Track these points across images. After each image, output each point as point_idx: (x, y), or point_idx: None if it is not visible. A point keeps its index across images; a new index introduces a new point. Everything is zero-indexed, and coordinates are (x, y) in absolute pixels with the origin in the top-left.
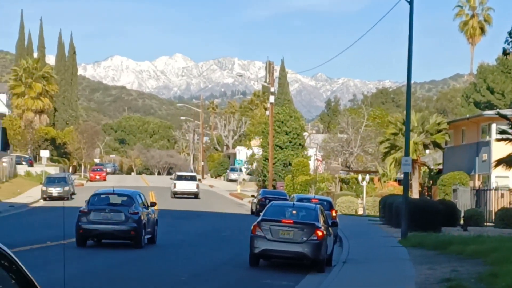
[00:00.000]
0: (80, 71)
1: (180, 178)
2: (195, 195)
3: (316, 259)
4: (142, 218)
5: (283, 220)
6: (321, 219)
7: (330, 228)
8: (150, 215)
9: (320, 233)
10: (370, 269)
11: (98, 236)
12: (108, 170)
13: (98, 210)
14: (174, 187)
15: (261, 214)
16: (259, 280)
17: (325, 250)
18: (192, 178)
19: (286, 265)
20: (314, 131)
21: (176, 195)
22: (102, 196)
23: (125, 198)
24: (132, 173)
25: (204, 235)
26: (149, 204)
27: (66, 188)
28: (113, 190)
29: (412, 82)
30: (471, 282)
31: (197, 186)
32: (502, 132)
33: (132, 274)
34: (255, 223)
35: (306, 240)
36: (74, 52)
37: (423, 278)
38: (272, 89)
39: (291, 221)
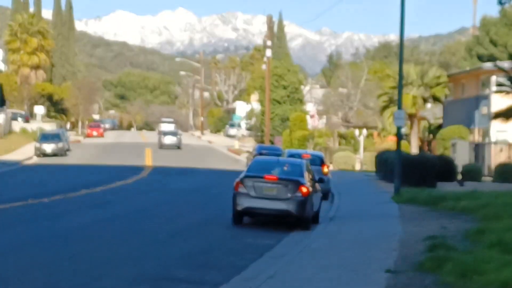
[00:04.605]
0: (82, 27)
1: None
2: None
3: (301, 216)
4: None
5: (266, 177)
6: (306, 175)
7: (317, 184)
8: None
9: (304, 190)
10: (356, 226)
11: None
12: (107, 126)
13: None
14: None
15: (245, 170)
16: (241, 239)
17: (310, 207)
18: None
19: (272, 223)
20: (318, 86)
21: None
22: None
23: None
24: (132, 129)
25: (194, 192)
26: None
27: (60, 145)
28: None
29: (417, 35)
30: (456, 239)
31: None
32: (500, 84)
33: (106, 234)
34: (237, 179)
35: (290, 197)
36: (71, 7)
37: (408, 235)
38: (269, 43)
39: (275, 178)
